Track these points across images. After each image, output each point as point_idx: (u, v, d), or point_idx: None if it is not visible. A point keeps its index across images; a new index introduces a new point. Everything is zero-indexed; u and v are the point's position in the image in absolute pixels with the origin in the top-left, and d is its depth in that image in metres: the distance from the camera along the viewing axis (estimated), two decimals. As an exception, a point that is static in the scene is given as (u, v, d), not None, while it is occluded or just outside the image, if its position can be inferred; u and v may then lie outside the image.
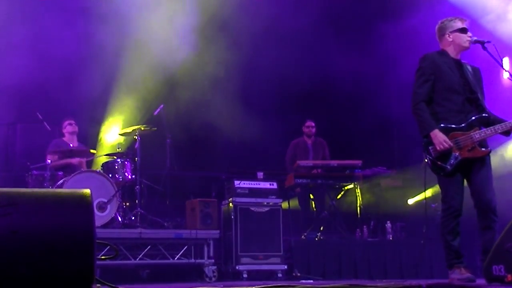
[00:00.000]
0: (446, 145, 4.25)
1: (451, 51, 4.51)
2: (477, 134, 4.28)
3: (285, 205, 7.28)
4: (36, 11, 7.95)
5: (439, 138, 4.28)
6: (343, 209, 7.92)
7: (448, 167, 4.28)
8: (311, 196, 8.13)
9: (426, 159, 4.38)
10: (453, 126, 4.33)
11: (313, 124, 8.47)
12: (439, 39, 4.58)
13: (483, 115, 4.35)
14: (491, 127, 4.29)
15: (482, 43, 4.41)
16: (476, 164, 4.31)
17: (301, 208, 8.07)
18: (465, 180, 4.39)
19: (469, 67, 4.50)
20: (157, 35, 8.24)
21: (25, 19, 7.94)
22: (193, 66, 8.49)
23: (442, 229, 4.36)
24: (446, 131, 4.31)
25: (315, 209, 8.09)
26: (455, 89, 4.38)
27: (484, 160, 4.31)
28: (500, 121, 4.35)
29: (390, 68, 9.77)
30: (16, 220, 2.30)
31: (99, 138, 8.17)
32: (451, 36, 4.50)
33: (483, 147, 4.30)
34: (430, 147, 4.35)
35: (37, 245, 2.28)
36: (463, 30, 4.47)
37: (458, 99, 4.37)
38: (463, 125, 4.32)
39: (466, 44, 4.47)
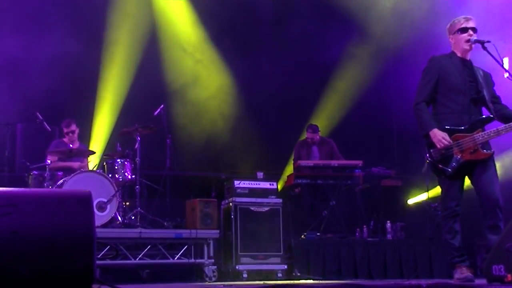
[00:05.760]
0: (446, 142, 4.25)
1: (458, 52, 4.51)
2: (480, 136, 4.25)
3: (285, 204, 7.26)
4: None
5: (438, 136, 4.28)
6: (343, 209, 7.90)
7: (449, 170, 4.27)
8: (311, 196, 8.10)
9: (428, 161, 4.38)
10: (456, 127, 4.31)
11: (313, 132, 8.14)
12: (449, 40, 4.59)
13: (487, 116, 4.34)
14: (495, 129, 4.26)
15: (482, 42, 4.38)
16: (479, 166, 4.28)
17: (301, 208, 8.04)
18: (465, 181, 4.39)
19: (480, 71, 4.48)
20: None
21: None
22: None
23: (442, 229, 4.39)
24: (448, 132, 4.30)
25: (315, 209, 8.06)
26: (459, 90, 4.36)
27: (486, 161, 4.29)
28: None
29: (390, 69, 9.77)
30: (16, 220, 2.29)
31: (99, 138, 8.16)
32: (453, 38, 4.51)
33: (485, 149, 4.27)
34: (431, 150, 4.34)
35: (37, 245, 2.28)
36: (463, 30, 4.45)
37: (462, 100, 4.35)
38: (466, 126, 4.31)
39: (465, 46, 4.44)
